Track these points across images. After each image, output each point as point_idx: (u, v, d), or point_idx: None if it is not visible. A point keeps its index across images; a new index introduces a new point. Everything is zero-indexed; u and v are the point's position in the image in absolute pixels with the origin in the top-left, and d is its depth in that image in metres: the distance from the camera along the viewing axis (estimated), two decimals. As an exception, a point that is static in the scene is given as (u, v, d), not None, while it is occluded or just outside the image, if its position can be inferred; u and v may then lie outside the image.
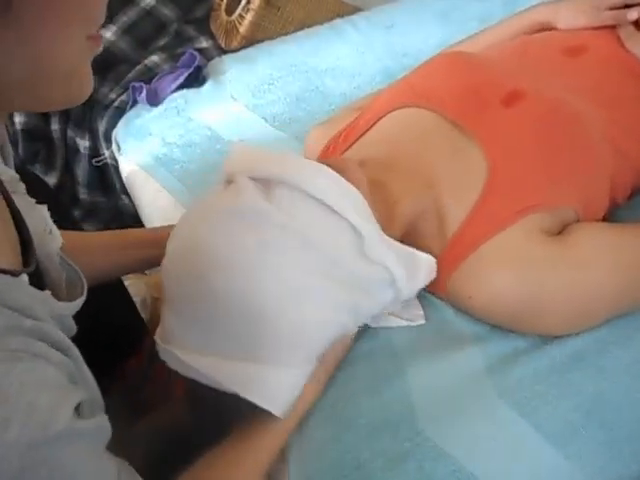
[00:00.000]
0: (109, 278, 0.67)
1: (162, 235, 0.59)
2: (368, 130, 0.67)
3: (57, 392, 0.32)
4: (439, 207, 0.60)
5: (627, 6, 0.71)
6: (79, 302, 0.45)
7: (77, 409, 0.34)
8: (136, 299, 0.91)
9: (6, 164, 0.50)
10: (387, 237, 0.52)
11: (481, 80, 0.65)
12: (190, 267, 0.49)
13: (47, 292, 0.39)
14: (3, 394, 0.29)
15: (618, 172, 0.63)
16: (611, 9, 0.71)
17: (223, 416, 0.54)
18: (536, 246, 0.56)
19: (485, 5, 1.15)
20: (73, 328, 0.45)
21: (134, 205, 1.02)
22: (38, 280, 0.42)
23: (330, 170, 0.51)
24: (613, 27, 0.71)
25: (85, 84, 0.39)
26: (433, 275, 0.56)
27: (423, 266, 0.55)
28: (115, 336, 0.76)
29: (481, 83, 0.65)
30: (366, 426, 0.53)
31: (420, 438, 0.51)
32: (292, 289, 0.48)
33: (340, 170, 0.52)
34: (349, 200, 0.51)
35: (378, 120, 0.67)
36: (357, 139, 0.68)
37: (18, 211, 0.44)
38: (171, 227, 0.56)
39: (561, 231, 0.58)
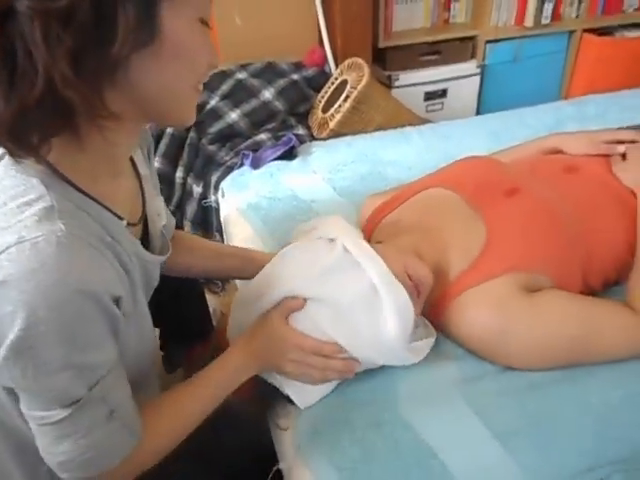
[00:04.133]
0: (209, 275, 0.90)
1: (254, 256, 0.85)
2: (407, 200, 0.92)
3: (98, 273, 0.47)
4: (449, 260, 0.80)
5: (618, 142, 0.93)
6: (161, 258, 0.68)
7: (117, 302, 0.50)
8: (210, 309, 1.17)
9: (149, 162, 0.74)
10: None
11: (493, 177, 0.89)
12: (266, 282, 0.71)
13: (137, 241, 0.61)
14: (66, 252, 0.45)
15: (589, 264, 0.81)
16: (606, 143, 0.94)
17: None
18: (511, 296, 0.74)
19: (529, 132, 1.39)
20: (156, 279, 0.67)
21: (223, 241, 1.32)
22: (146, 245, 0.64)
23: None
24: (606, 156, 0.93)
25: (189, 115, 0.55)
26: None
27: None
28: (191, 323, 1.01)
29: (492, 179, 0.88)
30: (359, 400, 0.72)
31: (396, 414, 0.69)
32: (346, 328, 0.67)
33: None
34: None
35: (415, 194, 0.92)
36: (398, 205, 0.93)
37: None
38: (260, 253, 0.81)
39: (536, 291, 0.77)
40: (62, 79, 0.42)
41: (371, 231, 0.94)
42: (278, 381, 0.71)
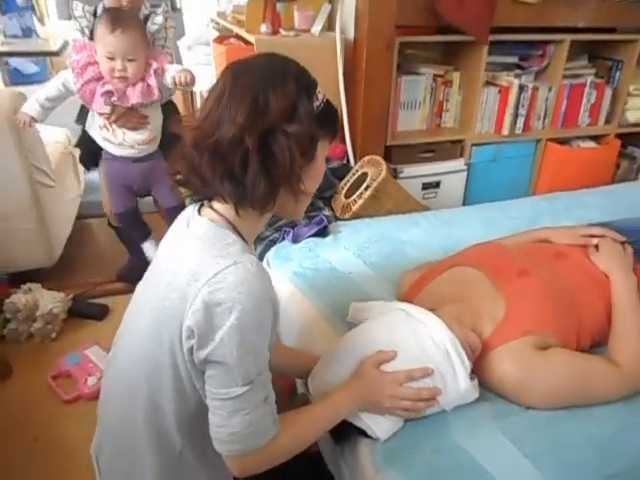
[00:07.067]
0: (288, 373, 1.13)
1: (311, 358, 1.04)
2: (439, 275, 1.18)
3: (273, 289, 0.73)
4: (481, 325, 1.05)
5: (592, 236, 1.24)
6: None
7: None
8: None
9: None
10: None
11: (505, 260, 1.17)
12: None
13: None
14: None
15: (580, 329, 1.08)
16: (583, 236, 1.25)
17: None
18: (527, 354, 0.99)
19: (514, 222, 1.72)
20: None
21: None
22: None
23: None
24: (584, 246, 1.24)
25: (301, 215, 0.86)
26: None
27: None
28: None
29: (505, 261, 1.16)
30: (423, 431, 0.93)
31: (452, 441, 0.91)
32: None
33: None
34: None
35: (445, 270, 1.18)
36: (432, 280, 1.18)
37: None
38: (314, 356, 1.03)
39: (546, 348, 1.02)
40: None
41: (412, 300, 1.19)
42: (362, 421, 0.90)
